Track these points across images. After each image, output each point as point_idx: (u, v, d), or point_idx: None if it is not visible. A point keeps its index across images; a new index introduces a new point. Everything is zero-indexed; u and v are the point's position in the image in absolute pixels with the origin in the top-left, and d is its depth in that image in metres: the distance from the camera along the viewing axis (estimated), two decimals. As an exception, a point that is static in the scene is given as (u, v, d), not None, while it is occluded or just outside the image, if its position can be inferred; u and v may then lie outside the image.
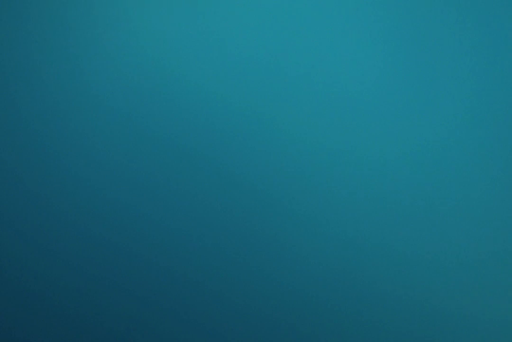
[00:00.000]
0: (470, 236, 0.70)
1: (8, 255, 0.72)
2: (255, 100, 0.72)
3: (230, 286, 0.71)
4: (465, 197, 0.70)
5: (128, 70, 0.73)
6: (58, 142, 0.73)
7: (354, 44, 0.72)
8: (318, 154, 0.71)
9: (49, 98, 0.73)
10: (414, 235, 0.70)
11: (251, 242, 0.71)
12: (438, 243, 0.70)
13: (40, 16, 0.74)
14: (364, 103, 0.71)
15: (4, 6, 0.74)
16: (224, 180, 0.72)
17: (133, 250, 0.72)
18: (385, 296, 0.70)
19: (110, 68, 0.73)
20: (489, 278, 0.70)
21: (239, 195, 0.72)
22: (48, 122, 0.73)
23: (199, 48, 0.73)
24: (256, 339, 0.71)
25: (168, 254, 0.72)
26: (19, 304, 0.72)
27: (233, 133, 0.72)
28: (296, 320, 0.71)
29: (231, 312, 0.71)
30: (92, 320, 0.72)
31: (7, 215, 0.72)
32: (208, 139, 0.72)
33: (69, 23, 0.73)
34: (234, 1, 0.73)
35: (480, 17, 0.71)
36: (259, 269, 0.71)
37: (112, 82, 0.73)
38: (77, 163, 0.73)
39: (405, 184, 0.71)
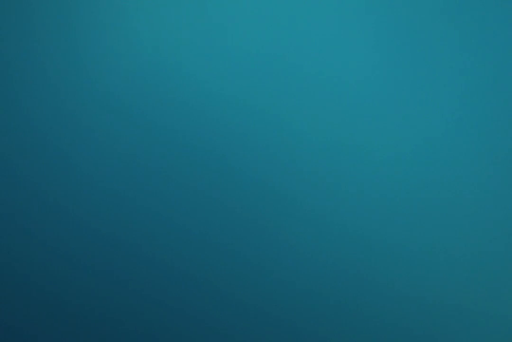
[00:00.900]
0: (471, 232, 0.70)
1: (11, 252, 0.72)
2: (257, 96, 0.72)
3: (233, 282, 0.71)
4: (466, 193, 0.70)
5: (132, 67, 0.73)
6: (60, 138, 0.73)
7: (354, 41, 0.72)
8: (320, 149, 0.71)
9: (53, 95, 0.73)
10: (416, 231, 0.70)
11: (254, 237, 0.71)
12: (442, 239, 0.70)
13: (44, 13, 0.74)
14: (365, 99, 0.71)
15: (7, 4, 0.74)
16: (227, 175, 0.72)
17: (137, 247, 0.72)
18: (388, 293, 0.70)
19: (113, 65, 0.73)
20: (491, 276, 0.70)
21: (241, 190, 0.72)
22: (51, 119, 0.73)
23: (202, 45, 0.73)
24: (259, 336, 0.71)
25: (171, 248, 0.72)
26: (21, 300, 0.72)
27: (235, 129, 0.72)
28: (301, 317, 0.71)
29: (234, 307, 0.71)
30: (95, 316, 0.72)
31: (11, 210, 0.73)
32: (212, 136, 0.72)
33: (73, 20, 0.74)
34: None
35: (478, 15, 0.71)
36: (263, 265, 0.71)
37: (115, 79, 0.73)
38: (81, 159, 0.73)
39: (407, 180, 0.71)
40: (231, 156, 0.72)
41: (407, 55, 0.71)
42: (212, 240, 0.72)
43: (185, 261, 0.72)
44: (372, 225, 0.71)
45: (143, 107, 0.73)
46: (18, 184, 0.73)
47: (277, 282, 0.71)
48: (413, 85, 0.71)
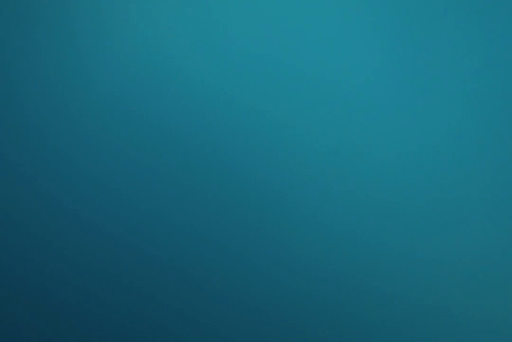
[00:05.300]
0: (470, 234, 0.70)
1: (11, 251, 0.72)
2: (257, 97, 0.72)
3: (231, 283, 0.71)
4: (464, 194, 0.70)
5: (133, 67, 0.73)
6: (61, 138, 0.73)
7: (354, 42, 0.72)
8: (318, 151, 0.71)
9: (54, 95, 0.73)
10: (413, 232, 0.70)
11: (254, 238, 0.71)
12: (439, 241, 0.70)
13: (45, 14, 0.74)
14: (365, 101, 0.71)
15: (9, 4, 0.74)
16: (225, 177, 0.72)
17: (136, 247, 0.72)
18: (386, 295, 0.70)
19: (114, 65, 0.73)
20: (490, 277, 0.70)
21: (239, 191, 0.72)
22: (52, 119, 0.73)
23: (203, 46, 0.73)
24: (256, 337, 0.71)
25: (170, 249, 0.72)
26: (21, 299, 0.72)
27: (236, 130, 0.72)
28: (300, 318, 0.71)
29: (231, 309, 0.71)
30: (95, 316, 0.72)
31: (11, 210, 0.73)
32: (213, 137, 0.72)
33: (74, 20, 0.74)
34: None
35: (478, 14, 0.71)
36: (262, 266, 0.71)
37: (116, 79, 0.73)
38: (81, 159, 0.73)
39: (405, 182, 0.71)
40: (232, 157, 0.72)
41: (410, 57, 0.71)
42: (212, 240, 0.72)
43: (183, 261, 0.72)
44: (373, 227, 0.71)
45: (144, 108, 0.73)
46: (18, 183, 0.73)
47: (277, 284, 0.71)
48: (415, 87, 0.71)
